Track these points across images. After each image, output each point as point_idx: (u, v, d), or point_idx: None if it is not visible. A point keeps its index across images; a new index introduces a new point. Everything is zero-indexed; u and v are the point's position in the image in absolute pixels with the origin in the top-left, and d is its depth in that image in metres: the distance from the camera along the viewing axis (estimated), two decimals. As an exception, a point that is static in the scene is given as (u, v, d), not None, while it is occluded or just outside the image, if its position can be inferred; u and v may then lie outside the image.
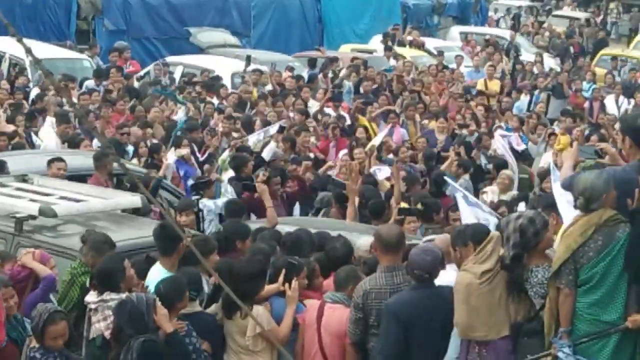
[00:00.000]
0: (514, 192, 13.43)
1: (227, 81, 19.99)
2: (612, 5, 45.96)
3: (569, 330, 6.59)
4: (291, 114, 17.21)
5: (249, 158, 13.21)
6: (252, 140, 14.62)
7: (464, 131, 17.08)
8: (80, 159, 11.91)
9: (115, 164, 11.11)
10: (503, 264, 6.82)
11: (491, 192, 13.48)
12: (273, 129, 14.71)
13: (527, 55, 29.05)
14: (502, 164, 14.52)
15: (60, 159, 11.20)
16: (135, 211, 9.47)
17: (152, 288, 7.47)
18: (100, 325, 7.20)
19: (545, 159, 15.43)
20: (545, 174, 13.44)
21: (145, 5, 26.29)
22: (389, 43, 26.70)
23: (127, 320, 6.85)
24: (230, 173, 13.01)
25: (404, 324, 6.93)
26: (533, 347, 6.79)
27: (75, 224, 8.83)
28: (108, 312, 7.15)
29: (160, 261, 7.86)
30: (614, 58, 26.85)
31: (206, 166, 13.84)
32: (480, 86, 21.87)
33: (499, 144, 15.40)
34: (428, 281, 7.03)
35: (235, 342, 7.41)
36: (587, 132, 17.09)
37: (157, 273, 7.71)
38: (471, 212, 10.17)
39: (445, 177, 12.90)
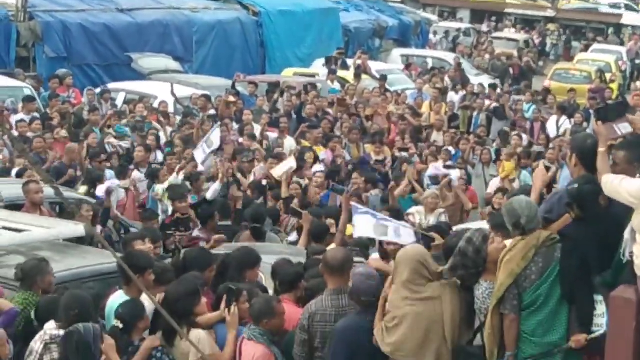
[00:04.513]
0: (441, 210, 13.32)
1: (169, 107, 19.91)
2: (552, 27, 46.65)
3: (515, 354, 6.67)
4: (234, 138, 17.26)
5: (186, 191, 13.09)
6: (199, 157, 14.39)
7: (404, 154, 17.21)
8: (17, 188, 11.72)
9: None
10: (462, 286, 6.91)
11: (417, 213, 13.21)
12: (215, 139, 14.44)
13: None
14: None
15: (-6, 189, 11.11)
16: (79, 240, 9.41)
17: (112, 314, 7.48)
18: None
19: (492, 185, 15.60)
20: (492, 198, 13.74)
21: (85, 32, 26.10)
22: (333, 67, 26.84)
23: (74, 352, 6.80)
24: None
25: (350, 348, 6.94)
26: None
27: (17, 254, 8.73)
28: None
29: (124, 290, 7.83)
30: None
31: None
32: (425, 109, 22.08)
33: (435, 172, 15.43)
34: (372, 304, 7.07)
35: (179, 369, 7.37)
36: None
37: (120, 300, 7.69)
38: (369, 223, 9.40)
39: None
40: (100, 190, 12.86)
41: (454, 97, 24.22)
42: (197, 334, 7.29)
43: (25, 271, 7.93)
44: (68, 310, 7.20)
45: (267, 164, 15.10)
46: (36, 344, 7.24)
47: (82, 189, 13.20)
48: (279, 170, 14.43)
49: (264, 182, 14.53)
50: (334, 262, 7.37)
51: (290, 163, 14.59)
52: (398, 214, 11.83)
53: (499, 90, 25.76)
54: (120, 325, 7.27)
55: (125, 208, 13.37)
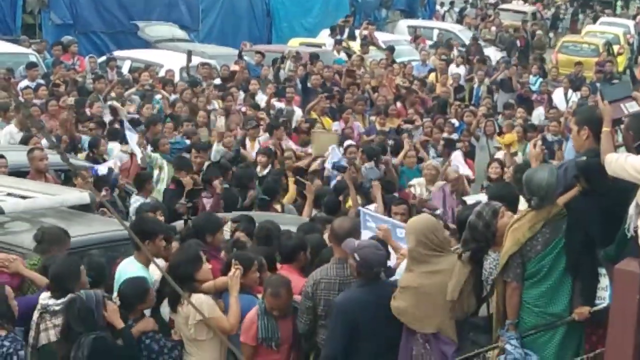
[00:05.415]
0: (441, 182, 13.31)
1: (175, 75, 19.90)
2: (558, 0, 46.43)
3: (516, 323, 6.69)
4: (239, 107, 17.28)
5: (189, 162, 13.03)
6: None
7: (409, 126, 17.15)
8: (22, 155, 11.67)
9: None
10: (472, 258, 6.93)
11: (418, 185, 13.11)
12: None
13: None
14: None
15: (0, 156, 11.06)
16: (84, 207, 9.41)
17: (121, 280, 7.50)
18: (50, 333, 7.13)
19: (498, 156, 15.53)
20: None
21: (92, -1, 26.10)
22: (339, 36, 26.74)
23: (76, 318, 6.81)
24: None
25: (352, 321, 6.95)
26: (479, 341, 6.88)
27: (22, 221, 8.73)
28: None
29: (135, 255, 7.85)
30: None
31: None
32: (431, 80, 22.03)
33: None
34: (377, 276, 7.09)
35: (183, 335, 7.40)
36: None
37: (131, 266, 7.72)
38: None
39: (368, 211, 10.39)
40: (102, 169, 12.90)
41: (454, 69, 24.13)
42: (198, 297, 7.30)
43: (46, 236, 7.92)
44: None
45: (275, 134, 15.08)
46: (35, 314, 7.28)
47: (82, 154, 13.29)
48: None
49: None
50: (341, 231, 7.40)
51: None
52: (389, 186, 12.12)
53: (503, 63, 25.64)
54: (118, 302, 7.25)
55: (130, 172, 13.35)
